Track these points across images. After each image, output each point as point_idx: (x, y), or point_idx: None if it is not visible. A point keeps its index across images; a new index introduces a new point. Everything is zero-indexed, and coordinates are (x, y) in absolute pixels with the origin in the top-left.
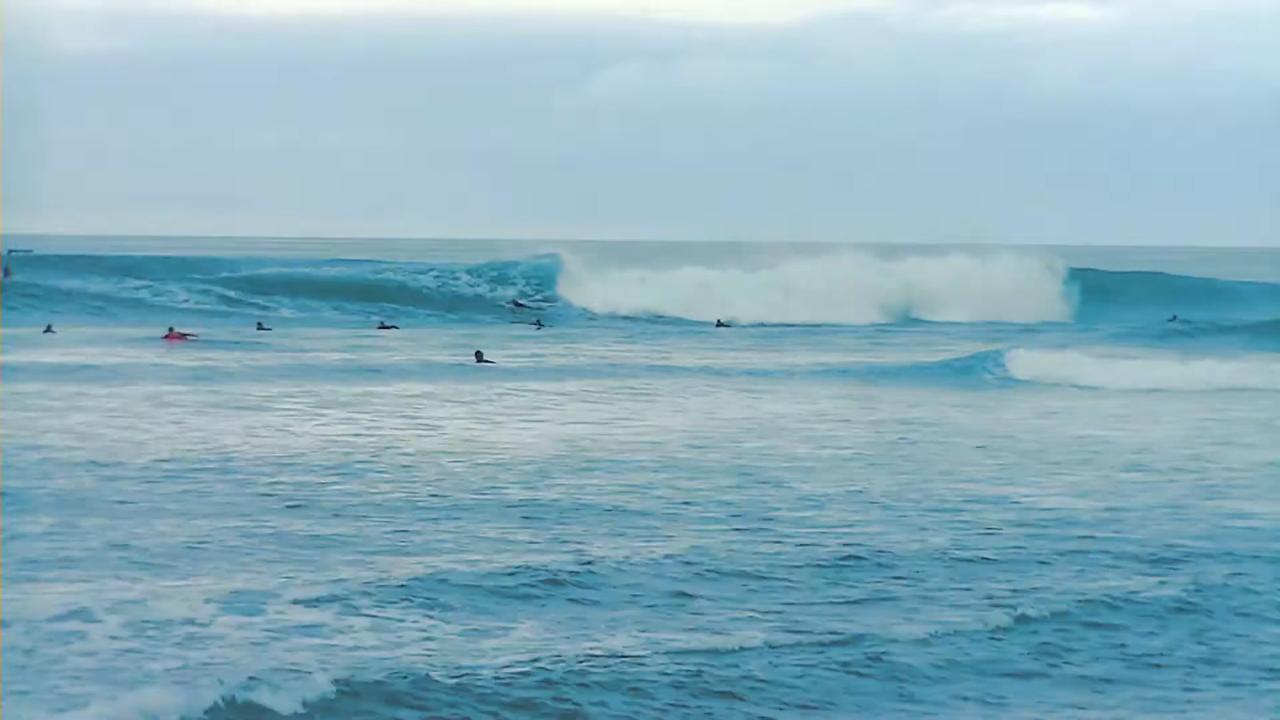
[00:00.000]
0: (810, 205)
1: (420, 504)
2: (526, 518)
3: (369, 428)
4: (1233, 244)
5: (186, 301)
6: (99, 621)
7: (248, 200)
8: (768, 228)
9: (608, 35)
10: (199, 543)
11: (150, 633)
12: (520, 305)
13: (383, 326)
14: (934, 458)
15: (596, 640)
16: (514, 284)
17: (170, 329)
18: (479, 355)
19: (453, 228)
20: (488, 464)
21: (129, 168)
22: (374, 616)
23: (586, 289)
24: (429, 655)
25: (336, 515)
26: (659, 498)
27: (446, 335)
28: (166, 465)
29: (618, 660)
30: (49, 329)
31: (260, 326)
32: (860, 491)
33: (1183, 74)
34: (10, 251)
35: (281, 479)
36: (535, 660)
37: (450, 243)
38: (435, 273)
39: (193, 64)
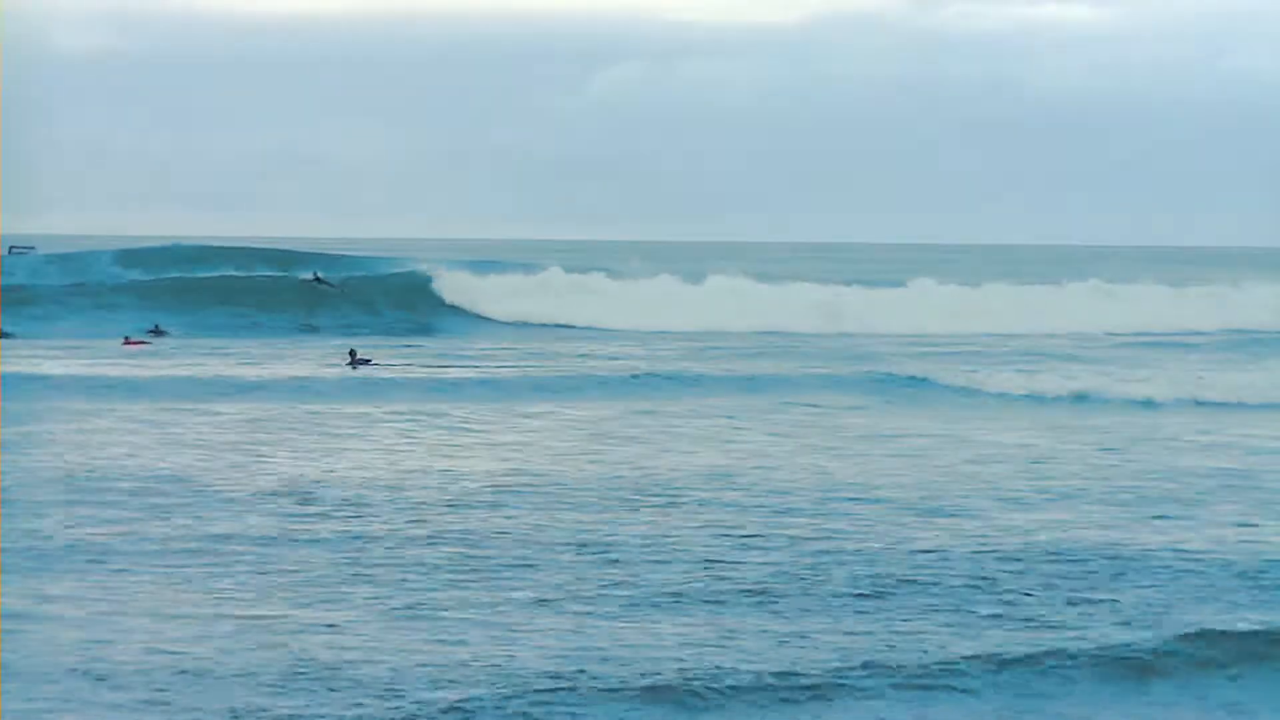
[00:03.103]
0: (810, 205)
1: None
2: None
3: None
4: (1233, 244)
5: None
6: None
7: (248, 200)
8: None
9: (608, 35)
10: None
11: None
12: (319, 280)
13: (315, 278)
14: None
15: None
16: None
17: (127, 338)
18: (353, 355)
19: (452, 228)
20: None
21: (129, 168)
22: None
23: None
24: None
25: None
26: None
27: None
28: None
29: None
30: (5, 334)
31: (156, 330)
32: None
33: (1183, 74)
34: (11, 249)
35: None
36: None
37: (450, 242)
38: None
39: (193, 64)
